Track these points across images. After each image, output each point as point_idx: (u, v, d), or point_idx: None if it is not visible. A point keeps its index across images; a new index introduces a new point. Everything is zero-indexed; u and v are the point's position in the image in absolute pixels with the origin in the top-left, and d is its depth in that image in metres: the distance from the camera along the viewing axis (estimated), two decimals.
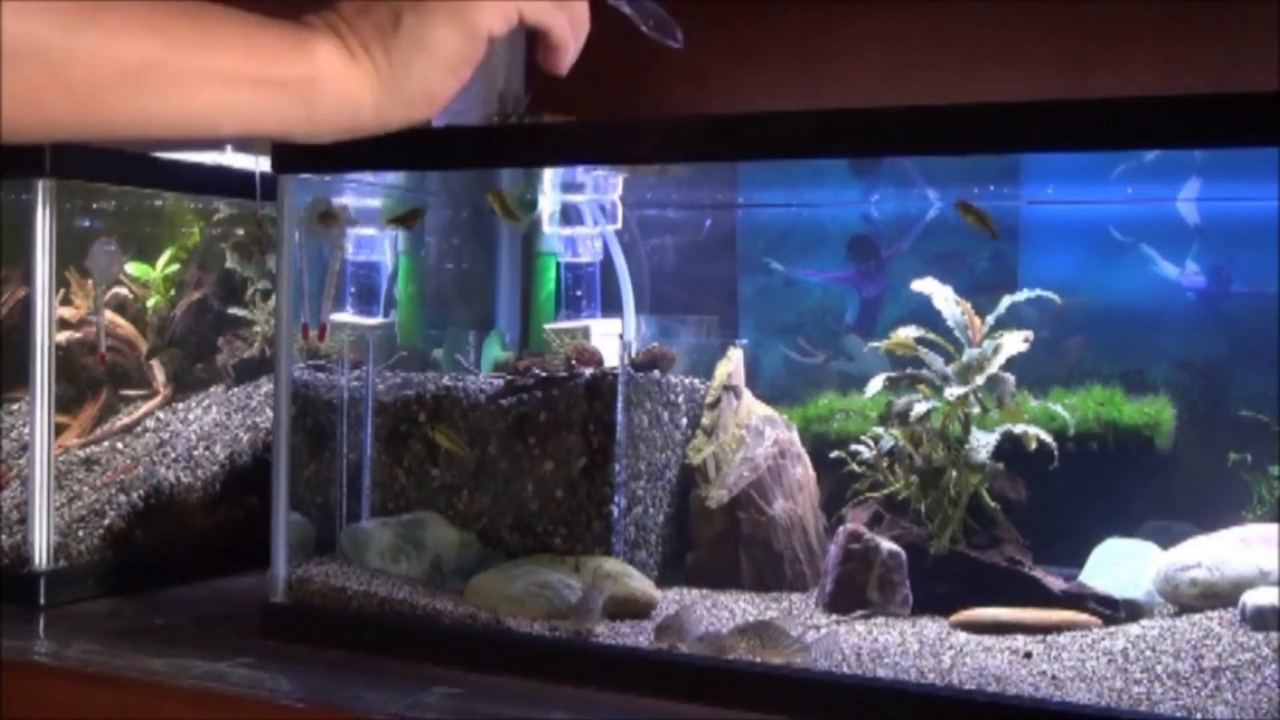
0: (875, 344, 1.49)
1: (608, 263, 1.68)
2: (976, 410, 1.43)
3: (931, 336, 1.45)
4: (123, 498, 1.66)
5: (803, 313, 1.75)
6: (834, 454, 1.50)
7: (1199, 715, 1.09)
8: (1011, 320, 1.44)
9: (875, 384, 1.46)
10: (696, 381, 1.57)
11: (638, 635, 1.30)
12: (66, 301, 1.75)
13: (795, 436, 1.58)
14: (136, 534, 1.66)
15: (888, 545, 1.39)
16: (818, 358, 1.72)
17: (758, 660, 1.22)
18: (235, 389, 1.83)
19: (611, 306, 1.67)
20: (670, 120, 1.34)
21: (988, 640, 1.29)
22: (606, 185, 1.62)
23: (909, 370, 1.45)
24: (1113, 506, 1.50)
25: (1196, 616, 1.30)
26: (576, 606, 1.32)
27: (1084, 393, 1.56)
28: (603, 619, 1.31)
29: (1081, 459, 1.50)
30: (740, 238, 1.76)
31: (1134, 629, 1.30)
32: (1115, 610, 1.35)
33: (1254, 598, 1.27)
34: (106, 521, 1.63)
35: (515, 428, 1.49)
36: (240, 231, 1.83)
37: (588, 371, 1.49)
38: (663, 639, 1.26)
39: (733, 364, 1.59)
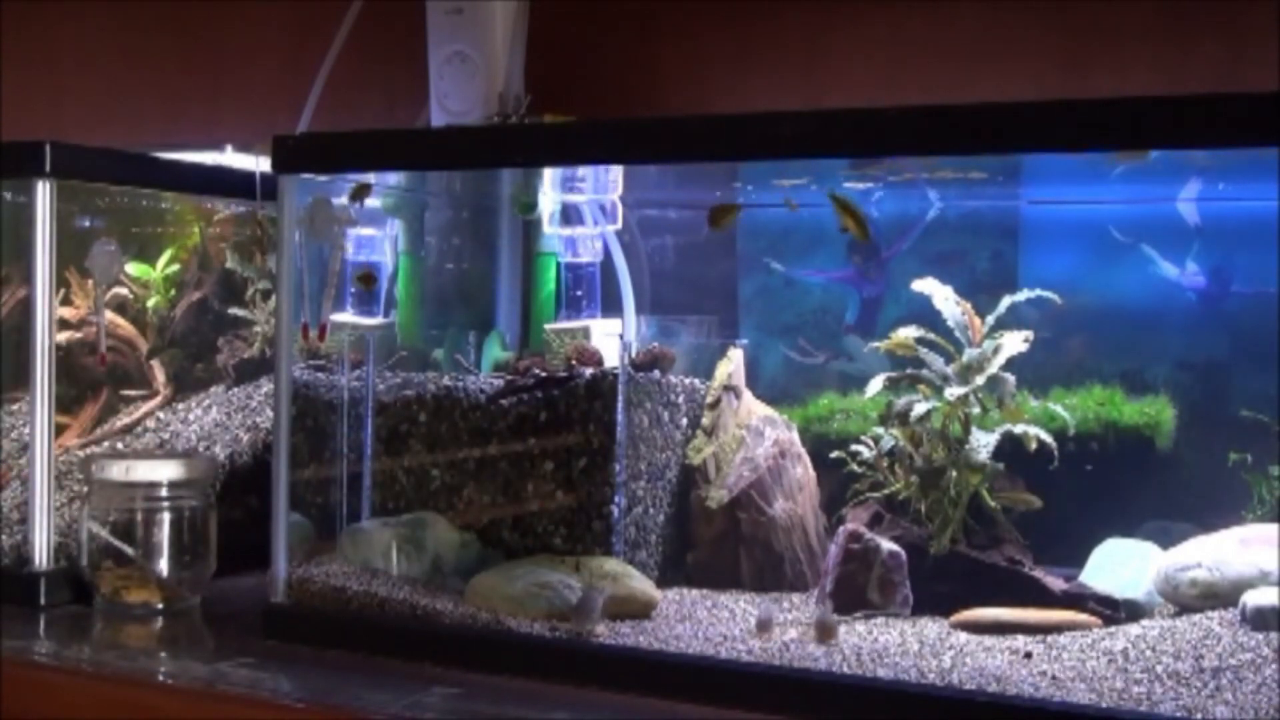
0: (875, 344, 1.49)
1: (608, 263, 1.68)
2: (977, 410, 1.43)
3: (931, 337, 1.45)
4: None
5: (803, 313, 1.74)
6: (834, 454, 1.50)
7: (1199, 715, 1.09)
8: (1011, 320, 1.44)
9: (875, 384, 1.46)
10: (697, 382, 1.57)
11: (638, 635, 1.30)
12: (66, 301, 1.75)
13: (795, 437, 1.58)
14: None
15: (888, 545, 1.39)
16: (818, 358, 1.72)
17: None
18: (235, 389, 1.83)
19: (612, 306, 1.67)
20: (670, 120, 1.34)
21: (988, 640, 1.29)
22: (607, 185, 1.62)
23: (909, 370, 1.45)
24: (1113, 506, 1.49)
25: (1196, 616, 1.30)
26: (576, 606, 1.32)
27: (1084, 393, 1.56)
28: (603, 619, 1.31)
29: (1081, 459, 1.50)
30: (740, 238, 1.76)
31: (1134, 629, 1.29)
32: (1115, 610, 1.35)
33: (1254, 598, 1.27)
34: None
35: (515, 428, 1.49)
36: (240, 231, 1.83)
37: (588, 371, 1.49)
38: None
39: (733, 364, 1.59)
